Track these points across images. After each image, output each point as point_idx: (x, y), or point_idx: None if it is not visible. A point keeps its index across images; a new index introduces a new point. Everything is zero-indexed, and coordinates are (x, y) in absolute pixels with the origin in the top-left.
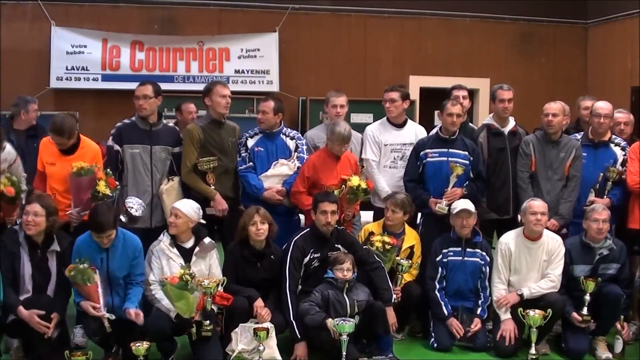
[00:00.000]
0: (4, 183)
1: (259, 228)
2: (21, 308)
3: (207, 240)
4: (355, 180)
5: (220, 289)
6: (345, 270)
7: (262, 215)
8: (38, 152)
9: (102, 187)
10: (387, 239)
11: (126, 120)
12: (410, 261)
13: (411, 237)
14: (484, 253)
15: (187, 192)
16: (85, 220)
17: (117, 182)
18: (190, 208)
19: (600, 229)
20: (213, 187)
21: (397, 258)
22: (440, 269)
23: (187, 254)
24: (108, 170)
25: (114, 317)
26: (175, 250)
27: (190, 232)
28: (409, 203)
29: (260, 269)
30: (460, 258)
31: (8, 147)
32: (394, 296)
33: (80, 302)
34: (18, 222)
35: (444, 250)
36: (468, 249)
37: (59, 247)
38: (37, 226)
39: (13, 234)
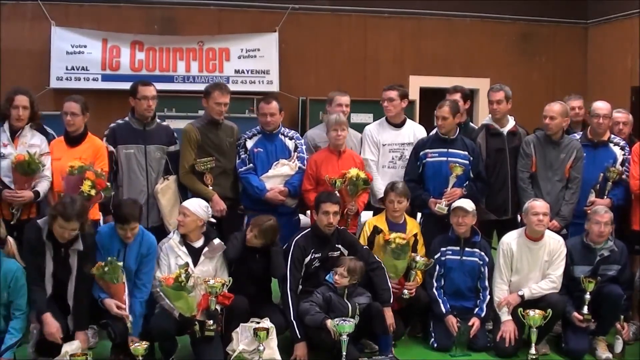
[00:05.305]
0: (21, 153)
1: (250, 239)
2: (48, 315)
3: (216, 241)
4: (353, 171)
5: (225, 289)
6: (338, 275)
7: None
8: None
9: (86, 187)
10: (402, 235)
11: (119, 121)
12: (425, 258)
13: (413, 226)
14: (483, 253)
15: (184, 191)
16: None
17: (107, 183)
18: (197, 206)
19: (601, 232)
20: (211, 187)
21: (413, 254)
22: (437, 267)
23: (195, 254)
24: (99, 170)
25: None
26: (184, 248)
27: (199, 231)
28: (407, 189)
29: (259, 262)
30: (459, 257)
31: (41, 138)
32: (406, 291)
33: (104, 299)
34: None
35: (443, 249)
36: (467, 249)
37: (82, 247)
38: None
39: (37, 231)
